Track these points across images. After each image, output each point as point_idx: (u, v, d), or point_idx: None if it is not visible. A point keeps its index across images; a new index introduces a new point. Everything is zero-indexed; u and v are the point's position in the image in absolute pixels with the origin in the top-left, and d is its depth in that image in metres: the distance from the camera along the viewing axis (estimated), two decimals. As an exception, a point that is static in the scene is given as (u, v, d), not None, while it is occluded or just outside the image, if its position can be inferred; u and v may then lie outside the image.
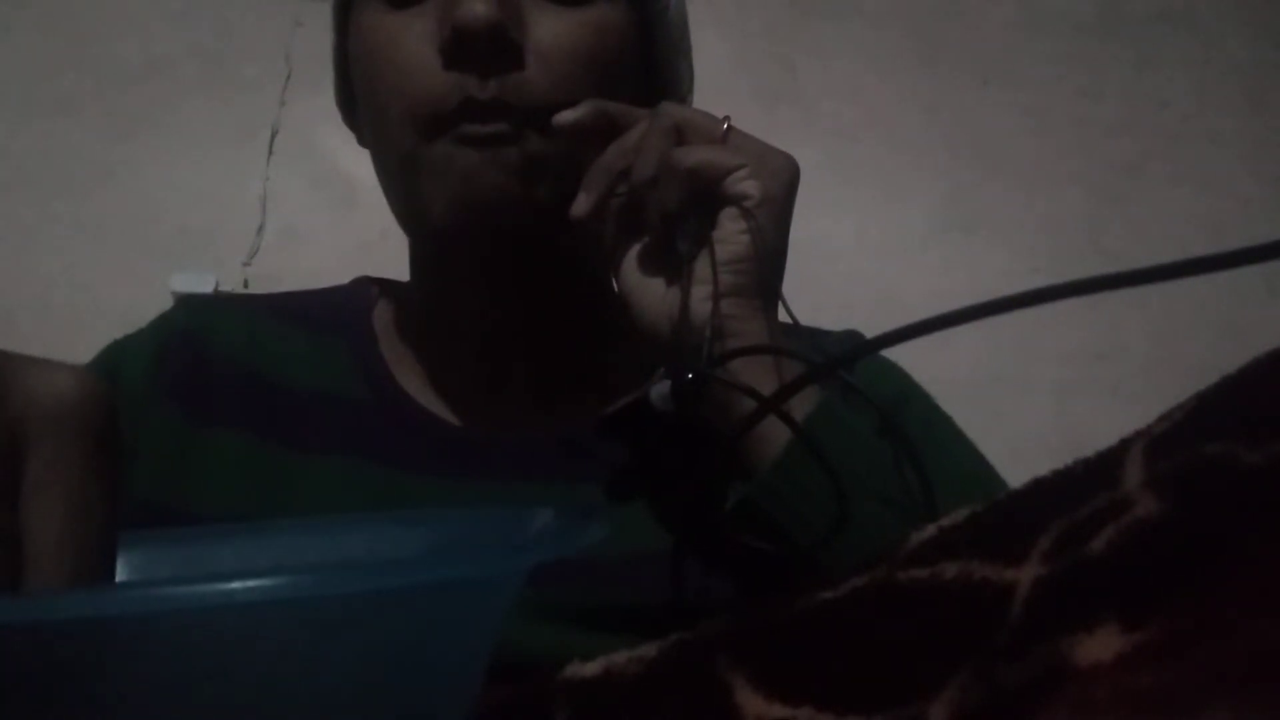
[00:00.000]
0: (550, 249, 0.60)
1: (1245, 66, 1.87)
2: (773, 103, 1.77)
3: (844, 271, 1.69)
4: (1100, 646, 0.22)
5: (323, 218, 1.68)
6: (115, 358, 0.63)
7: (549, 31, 0.55)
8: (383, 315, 0.67)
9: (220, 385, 0.61)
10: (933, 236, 1.78)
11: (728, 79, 1.77)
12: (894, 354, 0.58)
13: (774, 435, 0.50)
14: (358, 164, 0.64)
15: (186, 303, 0.67)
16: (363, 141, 0.64)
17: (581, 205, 0.54)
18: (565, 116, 0.53)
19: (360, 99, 0.60)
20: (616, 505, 0.57)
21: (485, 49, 0.53)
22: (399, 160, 0.56)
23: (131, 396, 0.60)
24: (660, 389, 0.50)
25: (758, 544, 0.50)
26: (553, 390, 0.63)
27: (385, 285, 0.70)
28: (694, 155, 0.51)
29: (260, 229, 1.70)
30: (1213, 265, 0.29)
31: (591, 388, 0.63)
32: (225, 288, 1.63)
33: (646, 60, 0.62)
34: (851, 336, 0.68)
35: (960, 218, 1.78)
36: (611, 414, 0.59)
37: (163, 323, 0.65)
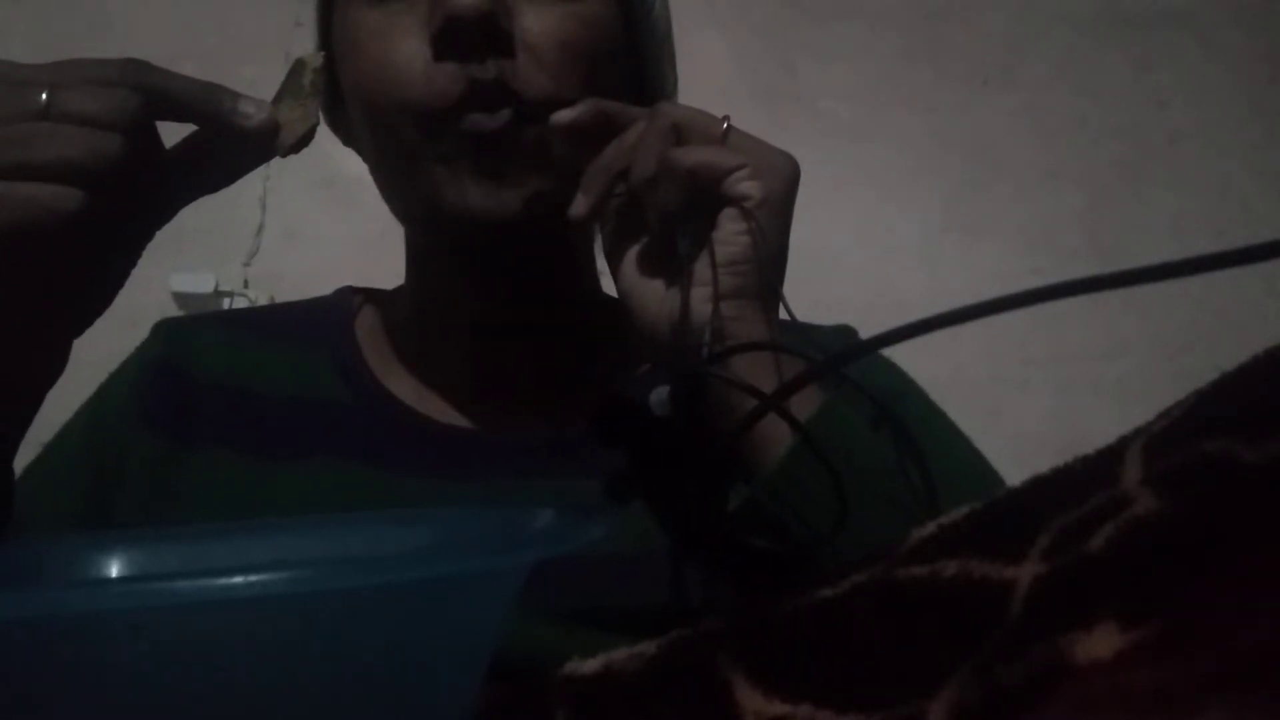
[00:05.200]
0: (543, 246, 0.60)
1: (1245, 66, 1.87)
2: (773, 103, 1.77)
3: (844, 271, 1.69)
4: (1099, 644, 0.22)
5: (323, 218, 1.67)
6: (99, 401, 0.65)
7: (537, 22, 0.55)
8: (366, 322, 0.68)
9: (202, 406, 0.62)
10: (933, 236, 1.77)
11: (728, 79, 1.76)
12: (894, 353, 0.58)
13: (777, 435, 0.50)
14: (358, 164, 0.64)
15: (163, 328, 0.66)
16: (348, 141, 0.64)
17: (580, 206, 0.53)
18: (563, 115, 0.53)
19: (349, 96, 0.60)
20: (615, 505, 0.57)
21: (477, 38, 0.53)
22: (403, 158, 0.56)
23: (114, 434, 0.61)
24: (659, 394, 0.50)
25: (761, 544, 0.50)
26: (543, 388, 0.63)
27: (369, 293, 0.70)
28: (693, 155, 0.51)
29: (260, 229, 1.70)
30: (1213, 265, 0.29)
31: (583, 385, 0.63)
32: (225, 288, 1.63)
33: (633, 59, 0.62)
34: (844, 330, 0.68)
35: (960, 218, 1.78)
36: (602, 412, 0.59)
37: (140, 354, 0.66)
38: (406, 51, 0.54)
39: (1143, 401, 0.33)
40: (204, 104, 0.42)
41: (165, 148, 0.44)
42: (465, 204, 0.54)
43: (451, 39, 0.53)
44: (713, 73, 1.72)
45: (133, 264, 0.45)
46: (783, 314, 0.54)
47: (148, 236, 0.45)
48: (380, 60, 0.55)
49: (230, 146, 0.44)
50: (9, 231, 0.38)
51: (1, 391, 0.44)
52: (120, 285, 0.45)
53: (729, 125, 0.52)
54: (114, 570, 0.39)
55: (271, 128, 0.44)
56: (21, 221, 0.38)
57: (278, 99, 0.46)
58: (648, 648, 0.31)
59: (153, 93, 0.41)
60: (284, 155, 0.46)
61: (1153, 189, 1.81)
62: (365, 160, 0.62)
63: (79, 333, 0.46)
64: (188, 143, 0.44)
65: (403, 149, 0.56)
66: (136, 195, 0.41)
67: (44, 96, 0.39)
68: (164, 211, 0.45)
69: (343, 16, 0.59)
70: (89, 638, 0.23)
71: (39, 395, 0.46)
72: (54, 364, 0.46)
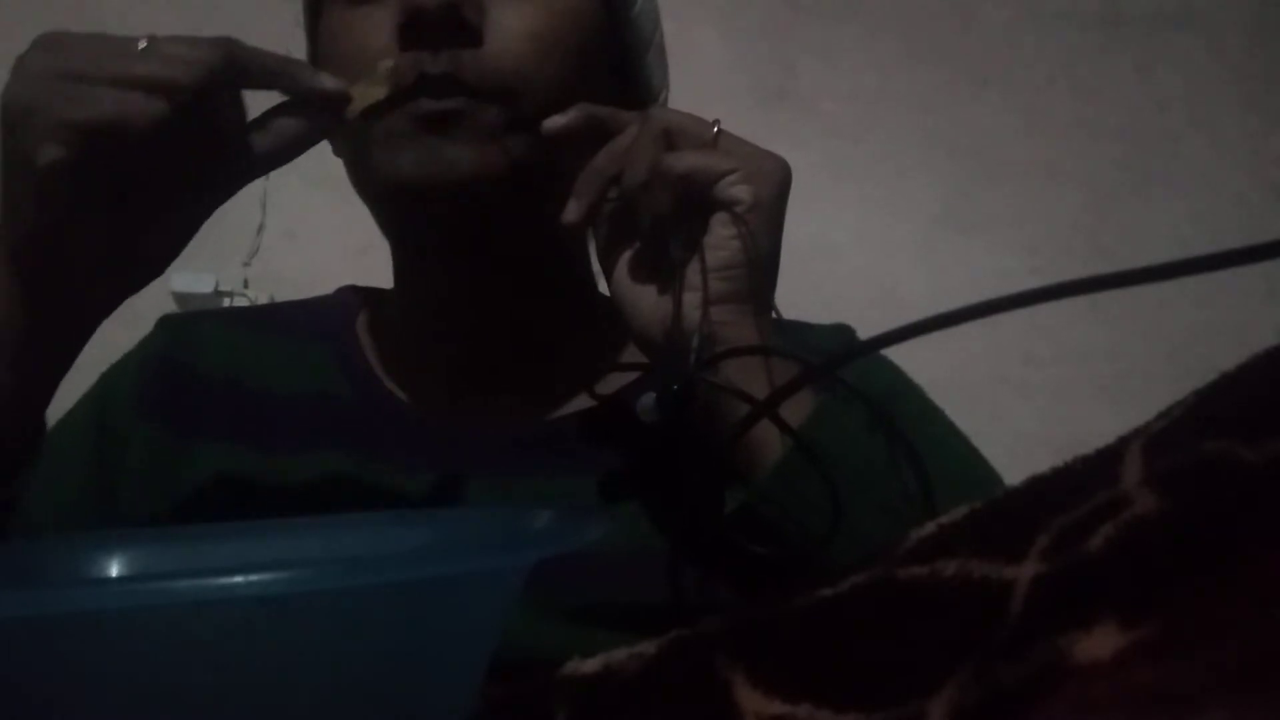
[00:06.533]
0: (526, 239, 0.60)
1: (1245, 66, 1.87)
2: (773, 103, 1.77)
3: (844, 271, 1.69)
4: (1099, 644, 0.22)
5: (323, 218, 1.67)
6: (102, 391, 0.65)
7: (508, 14, 0.55)
8: (366, 320, 0.68)
9: (203, 401, 0.62)
10: (933, 236, 1.77)
11: (728, 79, 1.76)
12: (893, 353, 0.58)
13: (771, 440, 0.50)
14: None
15: (166, 323, 0.67)
16: (338, 150, 0.65)
17: (573, 211, 0.54)
18: (555, 121, 0.53)
19: None
20: (609, 505, 0.57)
21: (439, 29, 0.53)
22: (355, 143, 0.57)
23: (116, 425, 0.61)
24: (646, 400, 0.50)
25: (756, 549, 0.50)
26: (537, 383, 0.63)
27: (369, 293, 0.71)
28: (685, 161, 0.51)
29: (260, 229, 1.70)
30: (1213, 265, 0.29)
31: (577, 379, 0.63)
32: (225, 288, 1.63)
33: (617, 56, 0.62)
34: (840, 329, 0.68)
35: (960, 218, 1.78)
36: (591, 417, 0.59)
37: (143, 348, 0.66)
38: (373, 44, 0.55)
39: (1143, 401, 0.33)
40: (285, 67, 0.48)
41: (247, 119, 0.48)
42: (398, 172, 0.55)
43: (415, 31, 0.53)
44: (711, 73, 1.72)
45: (203, 217, 0.50)
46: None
47: (220, 198, 0.50)
48: (349, 54, 0.56)
49: (301, 116, 0.49)
50: (104, 124, 0.43)
51: (60, 325, 0.48)
52: (187, 238, 0.49)
53: (719, 129, 0.53)
54: (114, 570, 0.39)
55: (343, 93, 0.49)
56: (115, 116, 0.43)
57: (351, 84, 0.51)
58: (648, 648, 0.31)
59: (239, 57, 0.47)
60: (352, 121, 0.51)
61: (1153, 189, 1.81)
62: (345, 163, 0.62)
63: (145, 281, 0.49)
64: (262, 116, 0.49)
65: (356, 134, 0.56)
66: (220, 146, 0.47)
67: (142, 44, 0.46)
68: (239, 175, 0.49)
69: (324, 20, 0.60)
70: (89, 637, 0.23)
71: (87, 332, 0.50)
72: (100, 311, 0.49)
